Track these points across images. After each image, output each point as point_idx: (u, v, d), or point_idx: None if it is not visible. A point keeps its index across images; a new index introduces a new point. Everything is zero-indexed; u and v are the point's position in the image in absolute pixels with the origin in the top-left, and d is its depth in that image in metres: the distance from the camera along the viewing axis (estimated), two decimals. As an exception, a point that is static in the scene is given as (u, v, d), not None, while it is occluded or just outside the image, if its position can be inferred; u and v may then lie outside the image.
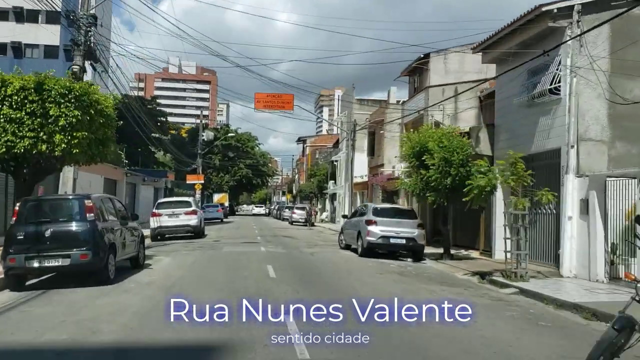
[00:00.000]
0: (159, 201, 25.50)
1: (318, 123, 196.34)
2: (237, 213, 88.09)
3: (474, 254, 19.78)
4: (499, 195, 18.42)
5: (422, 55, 33.17)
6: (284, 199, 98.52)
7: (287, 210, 52.21)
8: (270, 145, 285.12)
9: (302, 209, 44.52)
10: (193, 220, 24.32)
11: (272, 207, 75.36)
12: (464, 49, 32.71)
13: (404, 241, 17.63)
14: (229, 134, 66.02)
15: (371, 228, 17.65)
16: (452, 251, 18.71)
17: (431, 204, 19.41)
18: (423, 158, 17.31)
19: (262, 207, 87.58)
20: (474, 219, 20.31)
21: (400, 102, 36.47)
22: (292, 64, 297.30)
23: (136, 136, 43.71)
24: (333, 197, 52.21)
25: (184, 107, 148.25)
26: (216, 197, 71.76)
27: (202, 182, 56.15)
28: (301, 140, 75.87)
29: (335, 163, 49.69)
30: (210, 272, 13.10)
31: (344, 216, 21.70)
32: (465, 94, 24.73)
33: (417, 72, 35.48)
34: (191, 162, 58.50)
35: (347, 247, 20.31)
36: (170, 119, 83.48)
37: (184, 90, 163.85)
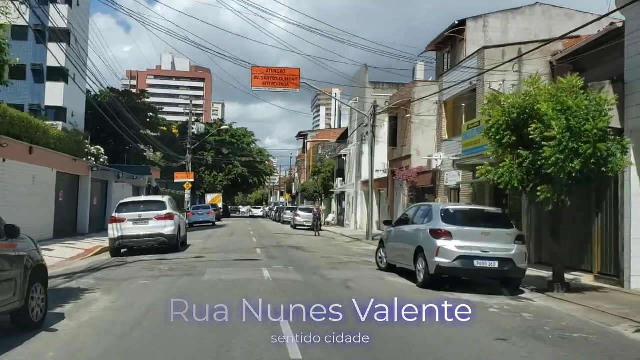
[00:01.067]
0: (122, 201, 18.55)
1: (315, 120, 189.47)
2: (232, 215, 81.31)
3: (586, 278, 12.97)
4: (635, 184, 11.79)
5: (456, 22, 26.59)
6: (282, 199, 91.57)
7: (288, 212, 45.31)
8: (267, 145, 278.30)
9: (308, 210, 37.59)
10: (168, 228, 17.42)
11: (270, 209, 68.09)
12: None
13: (495, 264, 10.78)
14: (222, 127, 59.11)
15: (442, 243, 10.81)
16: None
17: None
18: (529, 129, 10.48)
19: (260, 208, 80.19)
20: (579, 227, 13.52)
21: (431, 80, 29.75)
22: (290, 63, 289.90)
23: (122, 133, 37.51)
24: (341, 196, 45.37)
25: (177, 105, 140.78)
26: (209, 198, 65.06)
27: (192, 180, 49.34)
28: (302, 135, 68.82)
29: (344, 158, 42.88)
30: (164, 351, 6.23)
31: (387, 222, 14.66)
32: (531, 57, 18.18)
33: (448, 44, 28.85)
34: (181, 158, 51.65)
35: (390, 267, 13.50)
36: (162, 117, 76.68)
37: (177, 88, 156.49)
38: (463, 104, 19.49)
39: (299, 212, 37.78)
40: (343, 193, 43.30)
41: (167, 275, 12.13)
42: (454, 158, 19.31)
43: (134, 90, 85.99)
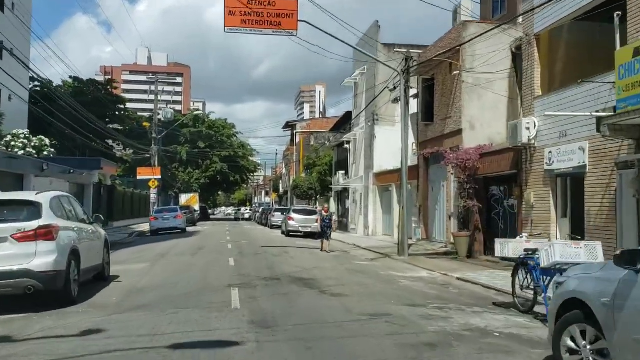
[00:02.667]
0: None
1: (299, 118, 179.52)
2: (212, 217, 71.92)
3: None
4: None
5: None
6: (267, 199, 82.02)
7: (278, 214, 36.04)
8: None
9: (306, 212, 28.46)
10: (42, 258, 8.01)
11: (255, 210, 58.31)
12: None
13: None
14: (196, 113, 49.82)
15: None
16: None
17: None
18: None
19: (247, 209, 69.37)
20: None
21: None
22: (274, 64, 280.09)
23: (62, 125, 28.94)
24: (342, 194, 36.21)
25: (153, 102, 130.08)
26: (184, 198, 55.64)
27: (159, 177, 39.97)
28: (289, 125, 59.32)
29: (347, 146, 33.71)
30: None
31: (631, 256, 4.91)
32: None
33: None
34: (146, 149, 42.24)
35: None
36: (133, 110, 66.79)
37: (154, 83, 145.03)
38: (617, 13, 10.41)
39: (293, 215, 28.43)
40: (346, 190, 34.15)
41: None
42: (602, 114, 10.17)
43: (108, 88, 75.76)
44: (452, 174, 18.23)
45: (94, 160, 32.02)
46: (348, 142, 32.95)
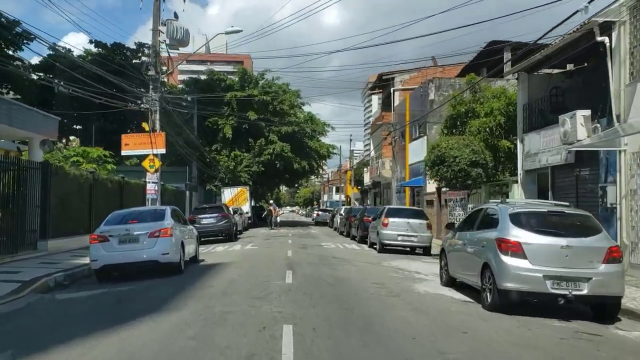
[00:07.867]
0: None
1: (367, 111, 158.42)
2: (271, 220, 51.93)
3: None
4: None
5: None
6: (342, 197, 61.26)
7: (394, 221, 15.40)
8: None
9: (569, 223, 6.56)
10: None
11: (335, 212, 36.96)
12: None
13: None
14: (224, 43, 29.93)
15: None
16: None
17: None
18: None
19: (329, 211, 44.04)
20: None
21: None
22: (341, 62, 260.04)
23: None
24: (558, 175, 14.58)
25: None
26: (228, 194, 36.22)
27: (163, 152, 20.16)
28: (383, 81, 37.83)
29: (601, 39, 11.97)
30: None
31: None
32: None
33: None
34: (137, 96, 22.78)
35: None
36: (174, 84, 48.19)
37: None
38: None
39: (527, 238, 7.33)
40: (582, 161, 12.69)
41: None
42: None
43: (165, 79, 57.51)
44: None
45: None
46: (609, 28, 11.32)
